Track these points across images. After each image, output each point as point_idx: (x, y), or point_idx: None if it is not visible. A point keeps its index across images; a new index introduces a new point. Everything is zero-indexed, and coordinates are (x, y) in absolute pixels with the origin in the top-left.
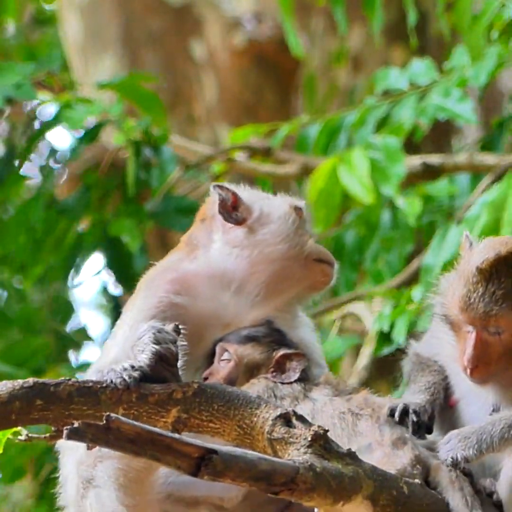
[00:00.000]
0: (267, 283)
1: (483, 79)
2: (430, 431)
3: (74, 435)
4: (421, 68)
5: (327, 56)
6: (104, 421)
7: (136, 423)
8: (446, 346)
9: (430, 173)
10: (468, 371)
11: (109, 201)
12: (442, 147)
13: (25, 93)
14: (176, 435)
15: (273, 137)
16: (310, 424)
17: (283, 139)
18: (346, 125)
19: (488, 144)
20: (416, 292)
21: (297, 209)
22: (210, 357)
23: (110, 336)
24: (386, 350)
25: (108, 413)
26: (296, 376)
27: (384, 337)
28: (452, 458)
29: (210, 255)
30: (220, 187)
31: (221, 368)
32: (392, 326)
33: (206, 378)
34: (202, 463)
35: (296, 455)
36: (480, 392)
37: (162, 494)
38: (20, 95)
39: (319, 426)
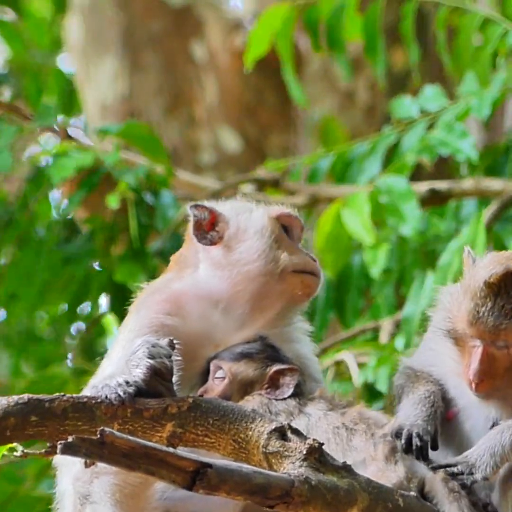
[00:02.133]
0: (251, 302)
1: (486, 111)
2: (435, 447)
3: (68, 449)
4: (431, 93)
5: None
6: (98, 436)
7: (130, 437)
8: (446, 360)
9: (437, 198)
10: (474, 385)
11: (115, 245)
12: (443, 170)
13: (1, 162)
14: (171, 449)
15: (289, 173)
16: (305, 438)
17: (299, 173)
18: (358, 155)
19: (493, 169)
20: (399, 342)
21: (282, 218)
22: (204, 375)
23: (105, 357)
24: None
25: (102, 428)
26: (290, 391)
27: (370, 389)
28: (471, 480)
29: (196, 275)
30: (196, 206)
31: (216, 386)
32: (376, 378)
33: (201, 396)
34: (197, 477)
35: (292, 468)
36: (480, 406)
37: (159, 510)
38: None
39: (314, 439)
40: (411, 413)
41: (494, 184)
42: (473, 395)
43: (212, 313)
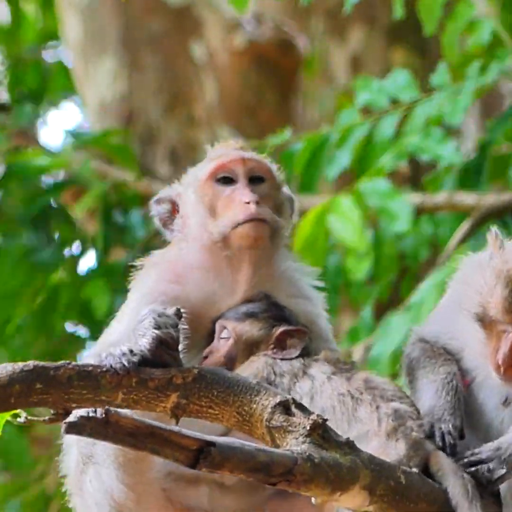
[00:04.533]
0: (226, 268)
1: (458, 118)
2: (462, 438)
3: (73, 428)
4: (402, 81)
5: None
6: (103, 415)
7: (135, 416)
8: (467, 337)
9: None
10: (502, 370)
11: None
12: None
13: None
14: (175, 428)
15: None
16: (309, 413)
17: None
18: (329, 143)
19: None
20: None
21: (216, 172)
22: (211, 337)
23: (110, 326)
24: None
25: (107, 407)
26: (297, 353)
27: None
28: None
29: (183, 249)
30: (156, 201)
31: (221, 346)
32: None
33: (206, 357)
34: (200, 455)
35: (295, 444)
36: (497, 382)
37: (162, 472)
38: None
39: (318, 415)
40: (436, 404)
41: (467, 198)
42: (498, 378)
43: (207, 280)
